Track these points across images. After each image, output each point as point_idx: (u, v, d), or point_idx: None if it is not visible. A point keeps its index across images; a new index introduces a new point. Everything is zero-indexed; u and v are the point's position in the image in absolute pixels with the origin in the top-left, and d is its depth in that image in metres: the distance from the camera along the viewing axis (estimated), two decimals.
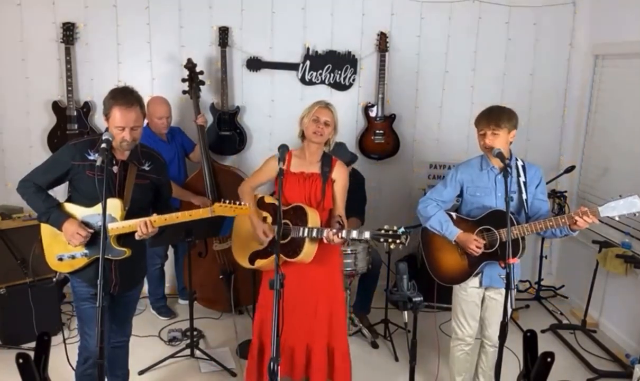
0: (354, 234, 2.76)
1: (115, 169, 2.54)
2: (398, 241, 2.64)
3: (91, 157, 2.50)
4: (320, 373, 3.01)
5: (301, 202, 2.91)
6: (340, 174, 2.99)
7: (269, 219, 3.01)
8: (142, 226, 2.48)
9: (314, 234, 2.80)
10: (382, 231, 2.68)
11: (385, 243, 2.66)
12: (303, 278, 2.94)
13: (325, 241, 2.77)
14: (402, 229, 2.66)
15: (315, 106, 2.95)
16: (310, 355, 3.01)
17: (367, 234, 2.74)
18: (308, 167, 2.97)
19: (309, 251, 2.84)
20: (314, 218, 2.85)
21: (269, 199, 3.07)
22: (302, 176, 2.94)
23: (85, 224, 2.53)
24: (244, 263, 3.07)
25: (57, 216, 2.53)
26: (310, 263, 2.88)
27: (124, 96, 2.48)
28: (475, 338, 3.17)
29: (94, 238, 2.53)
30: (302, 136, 2.99)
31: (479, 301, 3.05)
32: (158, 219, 2.51)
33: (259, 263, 3.00)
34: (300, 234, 2.82)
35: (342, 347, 3.06)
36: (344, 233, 2.73)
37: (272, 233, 2.92)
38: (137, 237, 2.52)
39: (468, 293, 3.02)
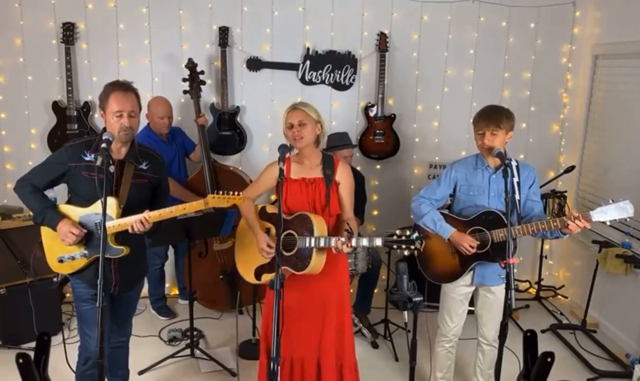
0: (364, 242, 2.56)
1: (111, 169, 2.52)
2: (413, 247, 2.45)
3: (87, 158, 2.50)
4: None
5: (305, 210, 2.71)
6: (344, 175, 2.81)
7: (273, 231, 2.81)
8: (137, 224, 2.47)
9: (321, 243, 2.60)
10: (395, 237, 2.47)
11: (398, 250, 2.48)
12: (311, 289, 2.79)
13: (333, 251, 2.59)
14: (416, 234, 2.47)
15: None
16: (321, 372, 2.87)
17: (378, 242, 2.53)
18: (309, 172, 2.79)
19: (317, 262, 2.64)
20: (320, 225, 2.65)
21: (270, 209, 2.88)
22: (303, 182, 2.76)
23: (81, 224, 2.52)
24: (250, 277, 2.88)
25: (51, 216, 2.52)
26: (318, 275, 2.69)
27: (121, 84, 2.53)
28: (472, 338, 3.17)
29: (93, 238, 2.53)
30: (292, 146, 2.80)
31: (466, 299, 3.05)
32: (152, 215, 2.49)
33: (266, 277, 2.80)
34: (307, 244, 2.63)
35: (351, 363, 2.91)
36: (353, 242, 2.53)
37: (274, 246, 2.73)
38: (130, 230, 2.49)
39: (456, 290, 3.02)
